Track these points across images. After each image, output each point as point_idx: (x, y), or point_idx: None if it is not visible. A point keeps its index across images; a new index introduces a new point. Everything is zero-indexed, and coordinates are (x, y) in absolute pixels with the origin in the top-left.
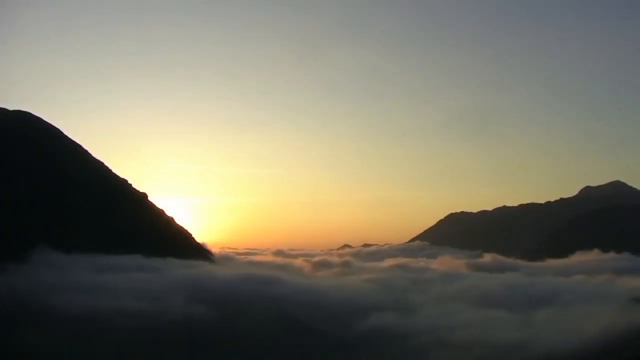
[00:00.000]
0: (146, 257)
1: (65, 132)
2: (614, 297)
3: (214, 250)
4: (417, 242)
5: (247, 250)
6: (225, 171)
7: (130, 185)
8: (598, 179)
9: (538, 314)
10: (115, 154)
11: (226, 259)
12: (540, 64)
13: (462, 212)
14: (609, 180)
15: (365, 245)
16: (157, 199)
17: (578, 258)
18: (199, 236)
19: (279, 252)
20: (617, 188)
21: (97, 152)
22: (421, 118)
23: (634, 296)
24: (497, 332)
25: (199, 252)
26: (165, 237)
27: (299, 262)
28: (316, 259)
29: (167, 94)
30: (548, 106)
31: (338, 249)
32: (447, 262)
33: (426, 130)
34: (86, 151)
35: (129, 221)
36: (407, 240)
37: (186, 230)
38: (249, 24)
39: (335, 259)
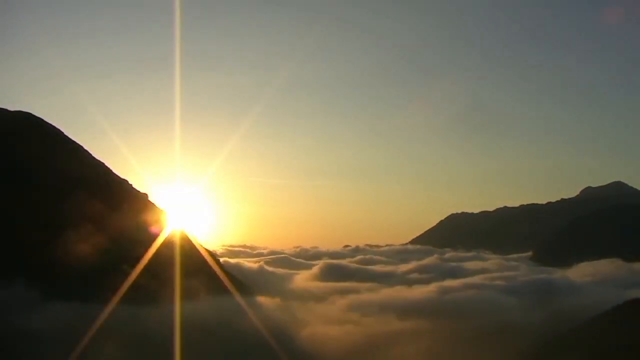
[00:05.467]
0: None
1: (67, 133)
2: None
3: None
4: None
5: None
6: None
7: (131, 185)
8: (599, 180)
9: None
10: (115, 154)
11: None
12: (540, 64)
13: (463, 212)
14: (609, 181)
15: (367, 245)
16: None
17: None
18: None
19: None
20: (618, 189)
21: (98, 152)
22: (422, 118)
23: None
24: None
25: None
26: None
27: None
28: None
29: (168, 94)
30: (549, 107)
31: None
32: None
33: (427, 130)
34: (87, 151)
35: (129, 221)
36: (408, 241)
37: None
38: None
39: None
